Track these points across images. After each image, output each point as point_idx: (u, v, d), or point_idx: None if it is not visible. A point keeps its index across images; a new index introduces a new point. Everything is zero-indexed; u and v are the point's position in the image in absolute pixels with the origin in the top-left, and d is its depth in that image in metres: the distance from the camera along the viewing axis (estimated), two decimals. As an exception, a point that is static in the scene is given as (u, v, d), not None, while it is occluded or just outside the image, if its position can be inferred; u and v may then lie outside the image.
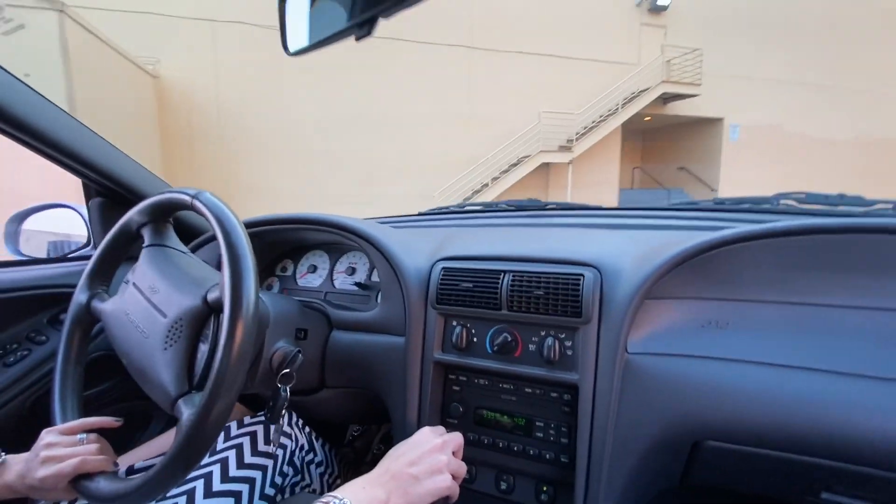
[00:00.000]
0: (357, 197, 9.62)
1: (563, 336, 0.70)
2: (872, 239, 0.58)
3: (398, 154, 10.01)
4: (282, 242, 1.06)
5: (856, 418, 0.54)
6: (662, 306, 0.67)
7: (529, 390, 0.74)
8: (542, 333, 0.72)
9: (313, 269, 1.05)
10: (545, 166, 10.85)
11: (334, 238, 0.97)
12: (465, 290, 0.76)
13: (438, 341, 0.79)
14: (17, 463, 0.61)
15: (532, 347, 0.72)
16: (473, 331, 0.77)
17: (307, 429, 0.85)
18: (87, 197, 1.03)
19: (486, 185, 10.12)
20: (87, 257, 1.03)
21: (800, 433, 0.57)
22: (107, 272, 0.76)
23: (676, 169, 13.36)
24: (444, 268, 0.80)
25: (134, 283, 0.68)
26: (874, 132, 13.45)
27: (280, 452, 0.77)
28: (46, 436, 0.62)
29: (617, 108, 11.05)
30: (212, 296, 0.60)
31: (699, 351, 0.63)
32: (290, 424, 0.81)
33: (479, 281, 0.76)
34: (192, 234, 1.10)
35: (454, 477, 0.60)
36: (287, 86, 9.28)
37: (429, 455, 0.59)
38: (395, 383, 0.80)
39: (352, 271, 1.01)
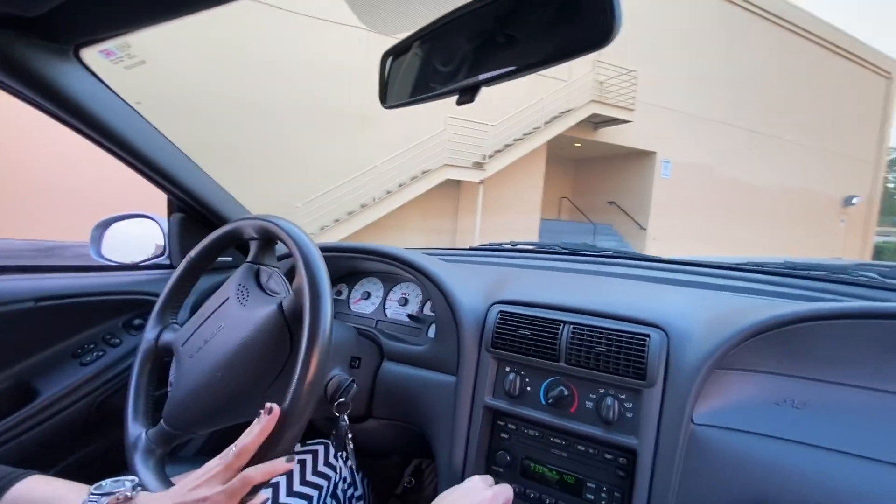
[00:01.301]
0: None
1: (623, 397, 0.70)
2: None
3: (268, 149, 8.32)
4: (338, 268, 1.12)
5: None
6: (733, 378, 0.66)
7: (582, 448, 0.73)
8: (601, 391, 0.72)
9: (367, 295, 1.09)
10: (455, 184, 9.77)
11: (389, 268, 1.01)
12: (522, 337, 0.77)
13: (490, 386, 0.80)
14: (152, 499, 0.55)
15: (589, 405, 0.72)
16: (528, 379, 0.77)
17: (350, 462, 0.87)
18: (170, 212, 1.13)
19: (375, 198, 8.68)
20: (162, 266, 1.13)
21: None
22: (177, 305, 0.82)
23: (606, 203, 13.12)
24: (501, 311, 0.81)
25: (212, 314, 0.73)
26: (796, 182, 14.67)
27: (325, 484, 0.80)
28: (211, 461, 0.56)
29: (540, 127, 10.18)
30: (286, 303, 0.65)
31: (771, 430, 0.62)
32: (335, 457, 0.84)
33: (537, 329, 0.77)
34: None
35: None
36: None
37: None
38: (443, 423, 0.82)
39: (404, 302, 1.04)
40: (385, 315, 1.05)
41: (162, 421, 0.69)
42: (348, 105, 8.72)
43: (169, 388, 0.72)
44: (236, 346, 0.65)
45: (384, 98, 0.60)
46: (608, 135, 11.57)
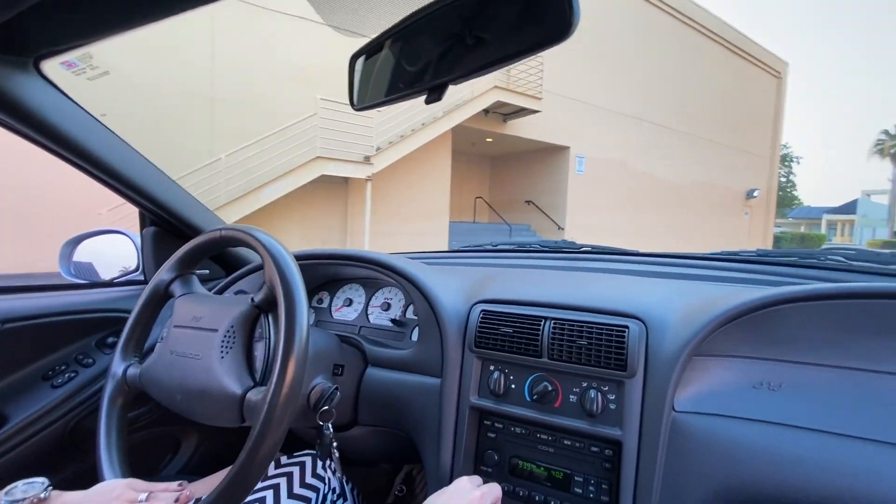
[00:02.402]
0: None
1: (606, 389, 0.72)
2: None
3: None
4: (319, 275, 1.12)
5: None
6: (711, 364, 0.68)
7: (569, 442, 0.75)
8: (584, 385, 0.73)
9: (349, 302, 1.10)
10: (342, 182, 8.40)
11: (370, 273, 1.02)
12: (505, 335, 0.79)
13: (475, 386, 0.81)
14: (61, 500, 0.61)
15: (573, 398, 0.74)
16: (512, 377, 0.79)
17: (338, 473, 0.87)
18: (142, 225, 1.13)
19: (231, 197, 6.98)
20: (135, 282, 1.13)
21: None
22: (141, 338, 0.82)
23: (525, 202, 12.52)
24: (483, 310, 0.83)
25: (174, 326, 0.74)
26: (704, 176, 14.85)
27: (313, 496, 0.80)
28: (125, 492, 0.63)
29: (439, 116, 8.91)
30: (259, 297, 0.67)
31: (750, 413, 0.64)
32: (323, 468, 0.84)
33: (519, 326, 0.78)
34: (231, 266, 1.18)
35: None
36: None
37: None
38: (429, 426, 0.83)
39: (387, 307, 1.05)
40: (368, 321, 1.06)
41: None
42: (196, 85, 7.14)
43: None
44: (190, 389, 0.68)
45: (353, 100, 0.61)
46: (519, 128, 10.83)
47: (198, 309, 0.73)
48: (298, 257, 1.01)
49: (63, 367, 0.97)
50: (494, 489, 0.66)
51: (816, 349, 0.65)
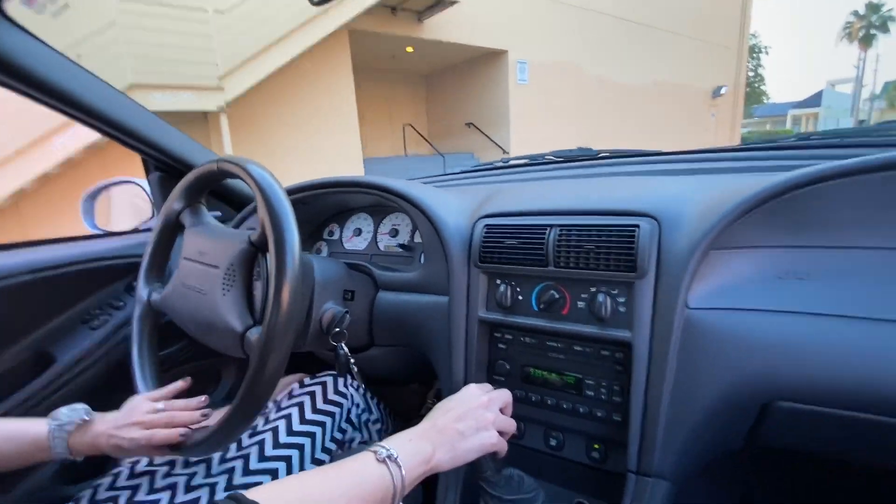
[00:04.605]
0: None
1: (615, 292, 0.60)
2: None
3: None
4: (327, 207, 0.99)
5: None
6: (731, 257, 0.55)
7: (579, 348, 0.65)
8: (593, 289, 0.61)
9: (358, 232, 0.98)
10: (201, 119, 5.40)
11: (376, 200, 0.89)
12: (509, 248, 0.66)
13: (483, 300, 0.70)
14: (103, 422, 0.58)
15: (581, 304, 0.62)
16: (519, 288, 0.67)
17: (361, 389, 0.80)
18: (147, 171, 0.99)
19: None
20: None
21: (889, 394, 0.45)
22: (161, 265, 0.76)
23: (465, 125, 8.96)
24: (486, 225, 0.70)
25: (184, 258, 0.67)
26: (667, 76, 10.97)
27: (336, 411, 0.73)
28: (143, 403, 0.60)
29: (312, 16, 5.51)
30: (254, 235, 0.59)
31: (773, 305, 0.51)
32: (345, 385, 0.77)
33: (523, 237, 0.65)
34: (240, 204, 1.05)
35: (503, 433, 0.55)
36: None
37: (474, 411, 0.53)
38: (441, 342, 0.73)
39: (395, 233, 0.93)
40: (378, 248, 0.94)
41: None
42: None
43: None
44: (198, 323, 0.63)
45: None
46: (441, 30, 7.19)
47: (203, 244, 0.65)
48: (299, 189, 0.88)
49: (98, 311, 0.89)
50: (503, 394, 0.58)
51: (852, 231, 0.51)
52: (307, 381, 0.77)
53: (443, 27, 7.24)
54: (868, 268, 0.50)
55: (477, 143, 8.88)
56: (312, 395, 0.73)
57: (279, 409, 0.71)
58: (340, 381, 0.77)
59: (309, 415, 0.70)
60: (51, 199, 4.86)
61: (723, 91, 13.36)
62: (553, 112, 8.90)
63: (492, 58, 8.30)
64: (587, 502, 0.64)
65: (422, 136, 9.34)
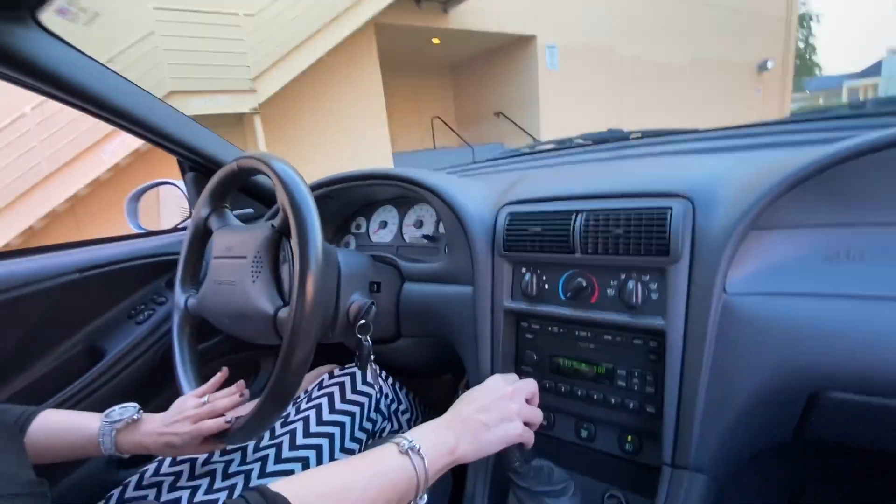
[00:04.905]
0: None
1: (647, 278, 0.57)
2: None
3: None
4: (352, 201, 1.00)
5: None
6: (774, 237, 0.51)
7: (609, 337, 0.62)
8: (623, 276, 0.59)
9: (384, 224, 0.98)
10: (236, 122, 5.54)
11: (400, 192, 0.89)
12: (535, 235, 0.64)
13: (508, 289, 0.68)
14: (151, 422, 0.60)
15: (611, 292, 0.60)
16: (545, 277, 0.65)
17: (391, 380, 0.81)
18: (183, 172, 1.03)
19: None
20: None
21: None
22: (195, 272, 0.77)
23: (493, 115, 8.58)
24: (510, 213, 0.68)
25: (213, 258, 0.69)
26: (706, 52, 10.01)
27: (365, 401, 0.75)
28: (189, 399, 0.62)
29: (341, 12, 5.55)
30: (277, 221, 0.60)
31: (821, 288, 0.47)
32: (374, 376, 0.78)
33: (548, 224, 0.63)
34: (271, 200, 1.07)
35: (529, 424, 0.53)
36: None
37: (499, 402, 0.52)
38: (467, 332, 0.72)
39: (420, 224, 0.92)
40: (404, 240, 0.94)
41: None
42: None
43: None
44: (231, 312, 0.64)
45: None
46: (466, 19, 6.98)
47: (230, 239, 0.67)
48: (323, 184, 0.89)
49: (142, 307, 0.94)
50: (528, 384, 0.57)
51: None
52: (337, 371, 0.78)
53: (468, 16, 7.09)
54: None
55: (507, 132, 8.58)
56: (342, 385, 0.74)
57: (310, 399, 0.73)
58: (370, 371, 0.77)
59: (339, 405, 0.72)
60: (102, 202, 5.29)
61: (769, 65, 12.20)
62: (585, 96, 8.47)
63: (520, 44, 7.98)
64: (620, 495, 0.62)
65: (450, 127, 9.09)
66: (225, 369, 0.68)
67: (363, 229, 1.01)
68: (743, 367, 0.50)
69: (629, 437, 0.62)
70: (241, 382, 0.65)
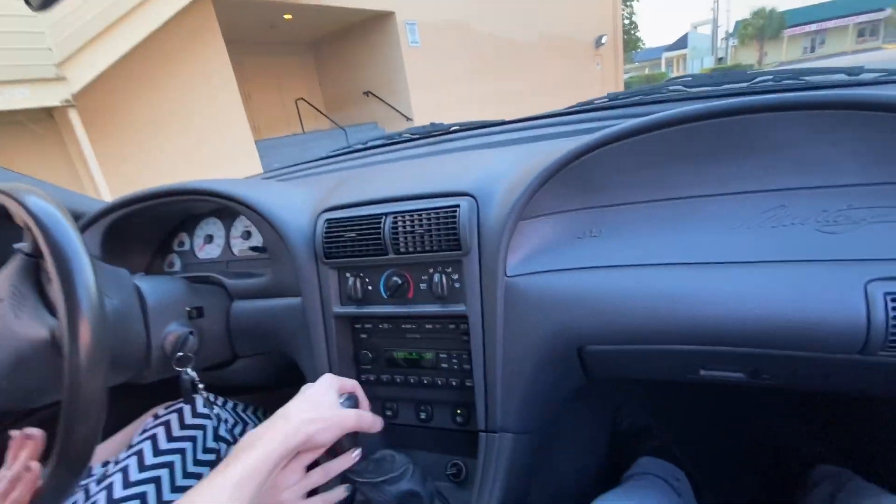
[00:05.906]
0: None
1: (449, 270, 0.63)
2: (737, 121, 0.50)
3: None
4: (169, 217, 0.90)
5: (718, 305, 0.49)
6: (538, 224, 0.60)
7: (429, 326, 0.68)
8: (431, 271, 0.64)
9: (210, 238, 0.90)
10: (47, 115, 4.32)
11: (219, 203, 0.82)
12: (351, 240, 0.66)
13: (336, 295, 0.69)
14: None
15: (423, 286, 0.65)
16: (367, 279, 0.68)
17: (230, 404, 0.76)
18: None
19: None
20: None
21: (671, 328, 0.52)
22: None
23: (363, 94, 8.36)
24: (327, 220, 0.69)
25: None
26: (553, 28, 10.75)
27: (198, 434, 0.70)
28: None
29: None
30: (26, 245, 0.51)
31: (573, 263, 0.57)
32: (205, 406, 0.72)
33: (361, 228, 0.65)
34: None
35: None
36: None
37: (312, 397, 0.51)
38: (302, 343, 0.72)
39: (247, 235, 0.86)
40: (233, 254, 0.88)
41: None
42: None
43: None
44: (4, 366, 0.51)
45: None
46: None
47: None
48: (122, 204, 0.79)
49: None
50: (341, 378, 0.56)
51: (635, 189, 0.57)
52: (161, 411, 0.71)
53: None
54: (652, 219, 0.57)
55: (378, 112, 8.29)
56: (167, 424, 0.68)
57: (130, 447, 0.66)
58: (200, 401, 0.72)
59: (165, 444, 0.66)
60: None
61: (604, 40, 13.71)
62: (451, 74, 8.55)
63: (380, 20, 7.72)
64: (461, 462, 0.68)
65: (318, 109, 8.45)
66: (15, 435, 0.58)
67: (187, 246, 0.92)
68: (527, 336, 0.59)
69: (458, 411, 0.69)
70: (26, 453, 0.55)
